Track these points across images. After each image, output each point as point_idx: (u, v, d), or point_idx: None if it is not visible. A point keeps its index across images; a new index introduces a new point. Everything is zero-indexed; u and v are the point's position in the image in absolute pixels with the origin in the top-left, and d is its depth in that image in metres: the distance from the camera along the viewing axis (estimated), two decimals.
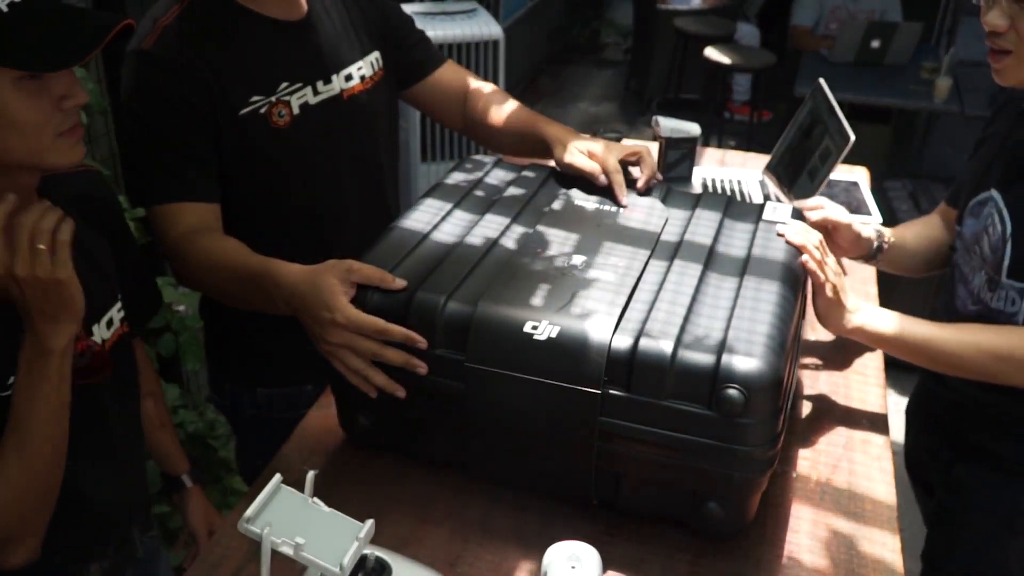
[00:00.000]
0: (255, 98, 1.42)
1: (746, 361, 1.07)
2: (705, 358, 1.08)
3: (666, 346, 1.09)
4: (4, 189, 1.04)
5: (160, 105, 1.37)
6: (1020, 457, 1.43)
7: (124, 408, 1.25)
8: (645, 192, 1.44)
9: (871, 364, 1.56)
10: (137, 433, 1.32)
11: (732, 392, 1.06)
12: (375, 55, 1.61)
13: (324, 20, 1.52)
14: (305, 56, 1.48)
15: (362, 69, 1.57)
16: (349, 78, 1.54)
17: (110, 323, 1.18)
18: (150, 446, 1.45)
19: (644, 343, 1.09)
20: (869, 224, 1.56)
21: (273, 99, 1.43)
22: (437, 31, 3.62)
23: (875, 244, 1.54)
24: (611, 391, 1.10)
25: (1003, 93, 1.48)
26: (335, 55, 1.52)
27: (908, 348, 1.35)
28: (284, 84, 1.44)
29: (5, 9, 0.96)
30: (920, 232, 1.64)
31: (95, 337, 1.17)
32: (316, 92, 1.49)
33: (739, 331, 1.12)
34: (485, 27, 3.74)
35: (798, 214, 1.42)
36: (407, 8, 3.73)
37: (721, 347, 1.09)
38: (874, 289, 1.80)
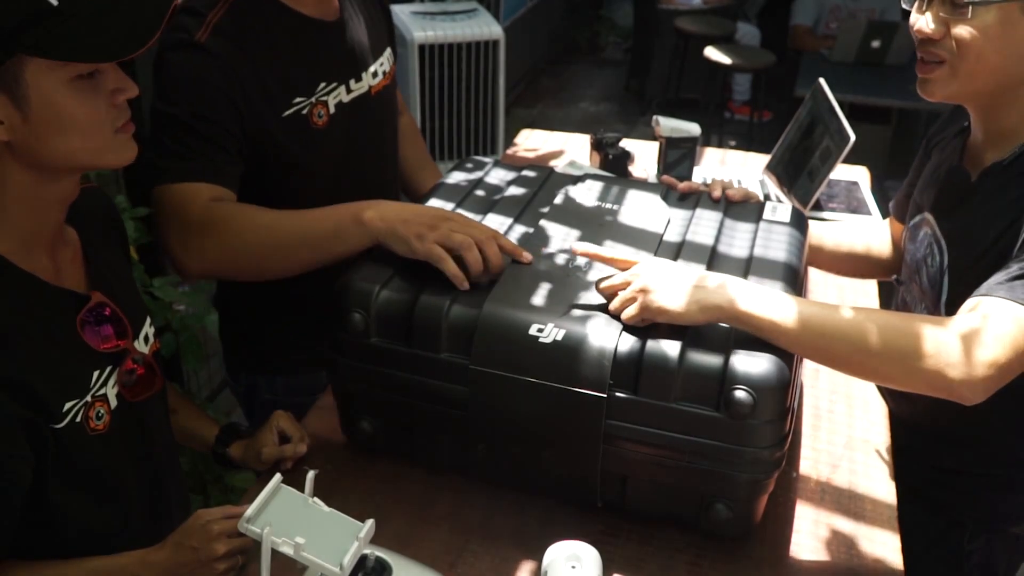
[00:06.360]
0: (297, 99, 1.41)
1: (754, 362, 1.06)
2: (713, 360, 1.07)
3: (673, 348, 1.08)
4: (50, 201, 1.03)
5: (211, 95, 1.32)
6: (963, 506, 1.38)
7: (162, 426, 1.23)
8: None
9: None
10: (173, 449, 1.28)
11: (741, 394, 1.05)
12: (388, 50, 1.64)
13: (353, 18, 1.53)
14: (340, 55, 1.49)
15: (383, 64, 1.59)
16: (375, 74, 1.56)
17: (147, 339, 1.17)
18: (185, 442, 1.38)
19: (651, 345, 1.09)
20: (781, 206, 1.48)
21: (313, 100, 1.43)
22: (437, 31, 3.61)
23: None
24: (617, 394, 1.10)
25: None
26: (364, 53, 1.54)
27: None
28: (322, 84, 1.44)
29: (55, 3, 0.92)
30: (849, 234, 1.58)
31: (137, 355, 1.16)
32: (349, 90, 1.49)
33: (746, 332, 1.11)
34: (485, 27, 3.74)
35: (798, 215, 1.42)
36: (408, 8, 3.76)
37: (728, 348, 1.08)
38: (874, 288, 1.80)
